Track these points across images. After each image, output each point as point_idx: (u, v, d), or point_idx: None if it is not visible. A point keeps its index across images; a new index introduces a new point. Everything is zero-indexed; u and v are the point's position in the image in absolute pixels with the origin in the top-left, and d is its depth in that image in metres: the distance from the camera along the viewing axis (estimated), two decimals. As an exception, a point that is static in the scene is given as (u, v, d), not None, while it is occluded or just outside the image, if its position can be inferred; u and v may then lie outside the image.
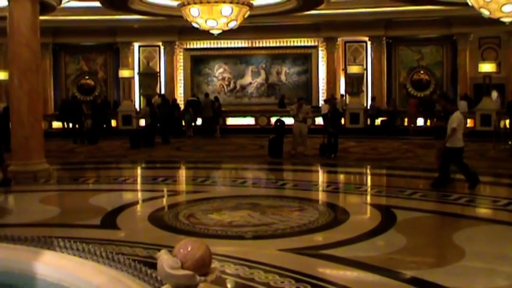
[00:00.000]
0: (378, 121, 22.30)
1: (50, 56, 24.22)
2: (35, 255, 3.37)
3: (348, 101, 23.15)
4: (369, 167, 13.64)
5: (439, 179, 10.01)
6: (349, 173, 13.15)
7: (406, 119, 22.11)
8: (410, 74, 23.80)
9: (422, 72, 23.71)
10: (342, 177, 13.07)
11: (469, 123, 20.51)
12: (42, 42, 12.94)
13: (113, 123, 23.20)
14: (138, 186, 11.67)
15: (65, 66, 25.12)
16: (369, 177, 13.00)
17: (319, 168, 14.09)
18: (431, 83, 23.57)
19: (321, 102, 23.22)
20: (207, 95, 22.22)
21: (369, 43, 23.78)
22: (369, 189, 10.87)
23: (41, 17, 12.46)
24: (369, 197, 9.96)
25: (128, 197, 10.40)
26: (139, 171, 14.16)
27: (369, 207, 9.13)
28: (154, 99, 22.09)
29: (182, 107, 23.13)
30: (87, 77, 25.11)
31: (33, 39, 11.68)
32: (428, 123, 21.19)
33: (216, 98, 22.58)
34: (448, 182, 10.07)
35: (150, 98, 21.13)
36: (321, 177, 13.33)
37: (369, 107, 22.63)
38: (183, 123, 21.73)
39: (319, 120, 21.94)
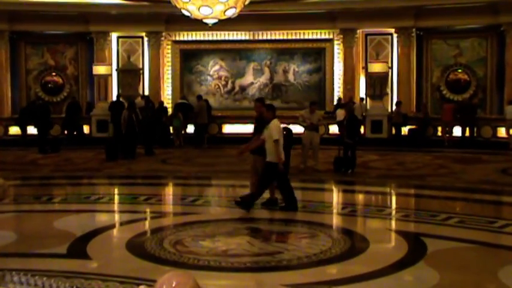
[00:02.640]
0: (404, 130, 22.27)
1: (7, 46, 24.23)
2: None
3: (368, 106, 23.13)
4: (393, 185, 13.59)
5: (269, 199, 10.26)
6: (369, 193, 13.11)
7: (439, 128, 22.08)
8: (446, 73, 23.77)
9: (460, 70, 23.68)
10: (360, 197, 13.03)
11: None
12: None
13: (85, 129, 23.21)
14: (115, 207, 11.64)
15: (26, 60, 25.12)
16: (393, 198, 12.97)
17: (334, 187, 14.07)
18: (471, 84, 23.50)
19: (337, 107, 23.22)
20: (200, 97, 22.22)
21: (395, 36, 23.79)
22: (393, 212, 10.82)
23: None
24: (393, 222, 9.92)
25: (101, 219, 10.37)
26: (116, 188, 14.12)
27: (393, 235, 9.09)
28: (137, 101, 22.08)
29: (170, 111, 23.14)
30: (53, 73, 25.14)
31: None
32: (467, 132, 21.14)
33: (205, 101, 22.61)
34: (294, 203, 10.14)
35: (131, 100, 21.14)
36: (336, 197, 13.29)
37: (392, 114, 22.60)
38: (171, 131, 21.73)
39: (333, 129, 21.91)
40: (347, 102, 21.26)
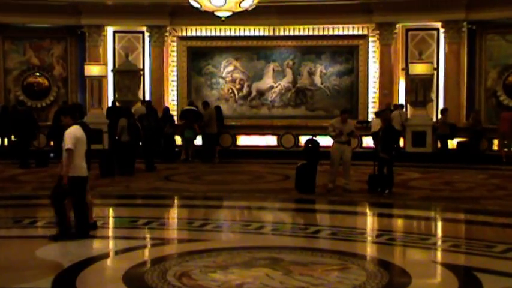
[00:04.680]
0: (452, 143, 22.16)
1: (-19, 41, 24.51)
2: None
3: (409, 115, 23.03)
4: (439, 209, 13.50)
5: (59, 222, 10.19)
6: (410, 218, 13.03)
7: (496, 141, 21.93)
8: (504, 76, 23.51)
9: (521, 72, 23.54)
10: (400, 223, 12.96)
11: None
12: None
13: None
14: (110, 232, 11.64)
15: (4, 57, 25.16)
16: (439, 224, 12.88)
17: (368, 210, 14.03)
18: (534, 88, 23.34)
19: (371, 116, 23.13)
20: (206, 103, 22.20)
21: (441, 31, 23.71)
22: (439, 241, 10.75)
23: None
24: (439, 253, 9.87)
25: (94, 247, 10.36)
26: (111, 209, 14.14)
27: (439, 268, 9.02)
28: (137, 107, 22.14)
29: (176, 119, 23.16)
30: (37, 74, 25.24)
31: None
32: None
33: (218, 108, 22.66)
34: (84, 228, 10.22)
35: (127, 106, 21.20)
36: (370, 222, 13.24)
37: (437, 123, 22.49)
38: (178, 142, 21.81)
39: (367, 141, 21.83)
40: (383, 109, 21.18)
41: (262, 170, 19.25)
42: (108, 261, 9.42)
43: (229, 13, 16.08)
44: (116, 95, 24.29)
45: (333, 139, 15.08)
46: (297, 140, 22.64)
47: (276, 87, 24.93)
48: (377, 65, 24.20)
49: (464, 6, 22.76)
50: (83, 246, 10.21)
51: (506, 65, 23.47)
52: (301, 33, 24.65)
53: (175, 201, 14.94)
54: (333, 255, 9.08)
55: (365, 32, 24.40)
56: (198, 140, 21.90)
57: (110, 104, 23.85)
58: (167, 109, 22.92)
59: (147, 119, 20.04)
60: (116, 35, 25.02)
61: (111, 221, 12.93)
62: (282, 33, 24.73)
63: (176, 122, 22.95)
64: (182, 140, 21.81)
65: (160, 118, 21.86)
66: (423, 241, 10.53)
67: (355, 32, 24.50)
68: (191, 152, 21.54)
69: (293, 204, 14.40)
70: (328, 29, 24.48)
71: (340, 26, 24.35)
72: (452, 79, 23.44)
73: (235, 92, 25.05)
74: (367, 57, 24.42)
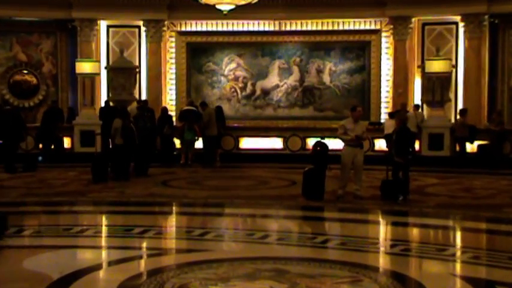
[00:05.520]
0: (472, 146, 22.13)
1: (-35, 36, 24.56)
2: None
3: (425, 115, 23.01)
4: (458, 217, 13.47)
5: None
6: (426, 227, 13.01)
7: (520, 144, 21.94)
8: (529, 73, 23.60)
9: (548, 69, 23.51)
10: (415, 232, 12.94)
11: None
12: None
13: (66, 142, 23.30)
14: (103, 241, 11.64)
15: (-11, 53, 25.31)
16: (458, 234, 12.83)
17: (381, 218, 14.01)
18: None
19: (384, 117, 23.10)
20: (204, 104, 22.17)
21: (461, 25, 23.69)
22: (458, 252, 10.71)
23: None
24: (458, 266, 9.83)
25: (86, 257, 10.38)
26: (104, 217, 14.14)
27: (458, 282, 8.99)
28: (132, 107, 22.13)
29: (175, 120, 23.16)
30: (25, 71, 25.28)
31: None
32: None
33: (219, 108, 22.64)
34: None
35: (124, 106, 21.23)
36: (383, 231, 13.21)
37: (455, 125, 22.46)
38: (177, 145, 21.83)
39: (380, 144, 21.80)
40: (398, 110, 21.15)
41: (266, 174, 19.24)
42: (101, 273, 9.39)
43: (232, 6, 16.10)
44: (110, 94, 24.32)
45: (344, 142, 15.03)
46: (304, 143, 22.63)
47: (282, 86, 24.95)
48: (391, 62, 24.21)
49: (486, -2, 22.77)
50: (74, 257, 10.23)
51: (531, 61, 23.46)
52: (309, 28, 24.68)
53: (174, 208, 14.92)
54: (343, 267, 9.05)
55: (378, 27, 24.42)
56: (199, 143, 21.90)
57: (103, 104, 23.86)
58: (165, 109, 22.90)
59: (142, 119, 20.06)
60: (110, 29, 25.06)
61: (104, 229, 12.94)
62: (288, 28, 24.76)
63: (175, 124, 22.91)
64: (181, 143, 21.82)
65: (158, 119, 21.86)
66: (441, 252, 10.49)
67: (367, 27, 24.53)
68: (191, 156, 21.56)
69: (300, 211, 14.38)
70: (338, 23, 24.51)
71: (351, 20, 24.37)
72: (472, 77, 23.39)
73: (238, 91, 25.06)
74: (380, 54, 24.44)
